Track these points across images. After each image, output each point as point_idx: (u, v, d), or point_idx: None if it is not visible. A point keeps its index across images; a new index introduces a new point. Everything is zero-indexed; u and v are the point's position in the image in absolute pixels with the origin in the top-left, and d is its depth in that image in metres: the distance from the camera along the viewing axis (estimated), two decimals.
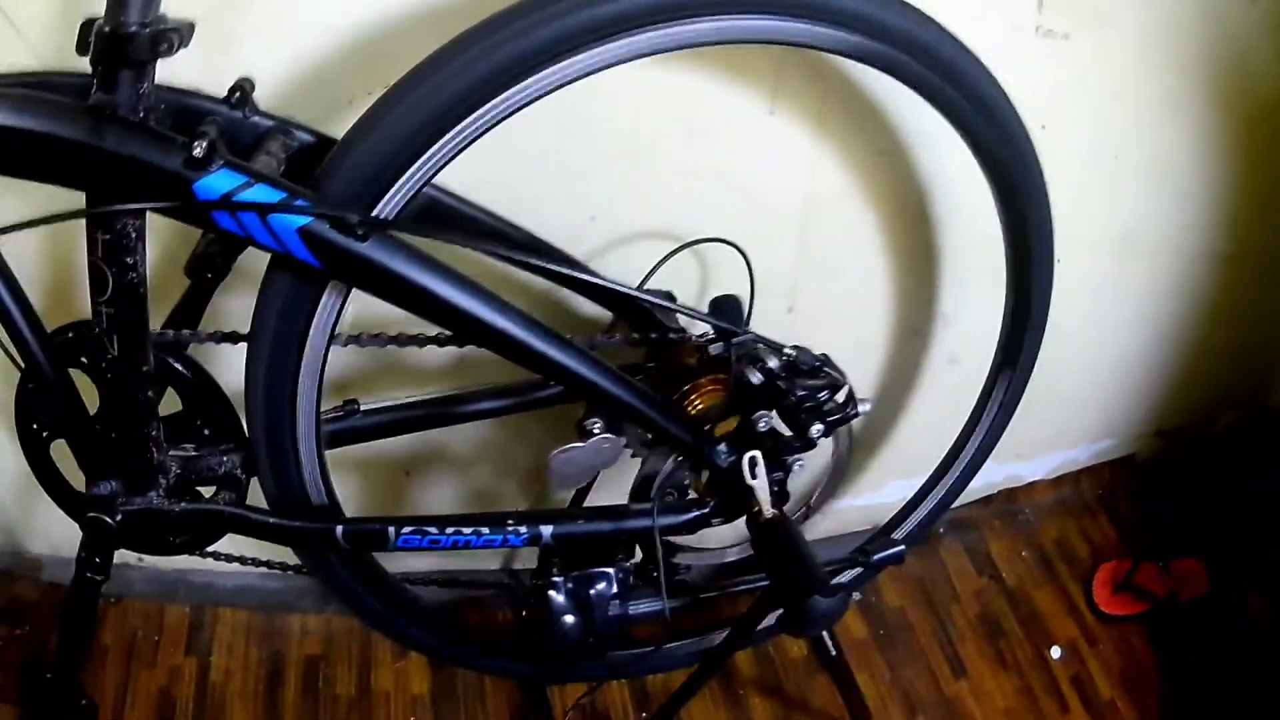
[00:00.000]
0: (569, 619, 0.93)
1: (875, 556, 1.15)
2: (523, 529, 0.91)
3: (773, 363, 0.90)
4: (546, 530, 0.92)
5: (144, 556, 1.33)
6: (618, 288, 0.91)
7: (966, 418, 1.23)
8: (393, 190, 0.76)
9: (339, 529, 0.91)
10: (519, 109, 0.76)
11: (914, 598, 1.47)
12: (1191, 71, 1.15)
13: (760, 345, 0.93)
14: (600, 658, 1.12)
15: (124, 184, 0.71)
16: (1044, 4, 1.04)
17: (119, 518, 0.90)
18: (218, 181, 0.70)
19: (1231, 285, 1.39)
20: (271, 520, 0.92)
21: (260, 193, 0.71)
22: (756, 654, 1.39)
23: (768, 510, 0.88)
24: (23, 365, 0.86)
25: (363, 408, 0.99)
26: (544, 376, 0.83)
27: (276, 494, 0.93)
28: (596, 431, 0.89)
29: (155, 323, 0.89)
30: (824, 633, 1.16)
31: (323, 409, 0.92)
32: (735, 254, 1.07)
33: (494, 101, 0.75)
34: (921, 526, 1.27)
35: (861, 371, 1.32)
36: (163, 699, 1.27)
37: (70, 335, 0.89)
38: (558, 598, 0.92)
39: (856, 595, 1.46)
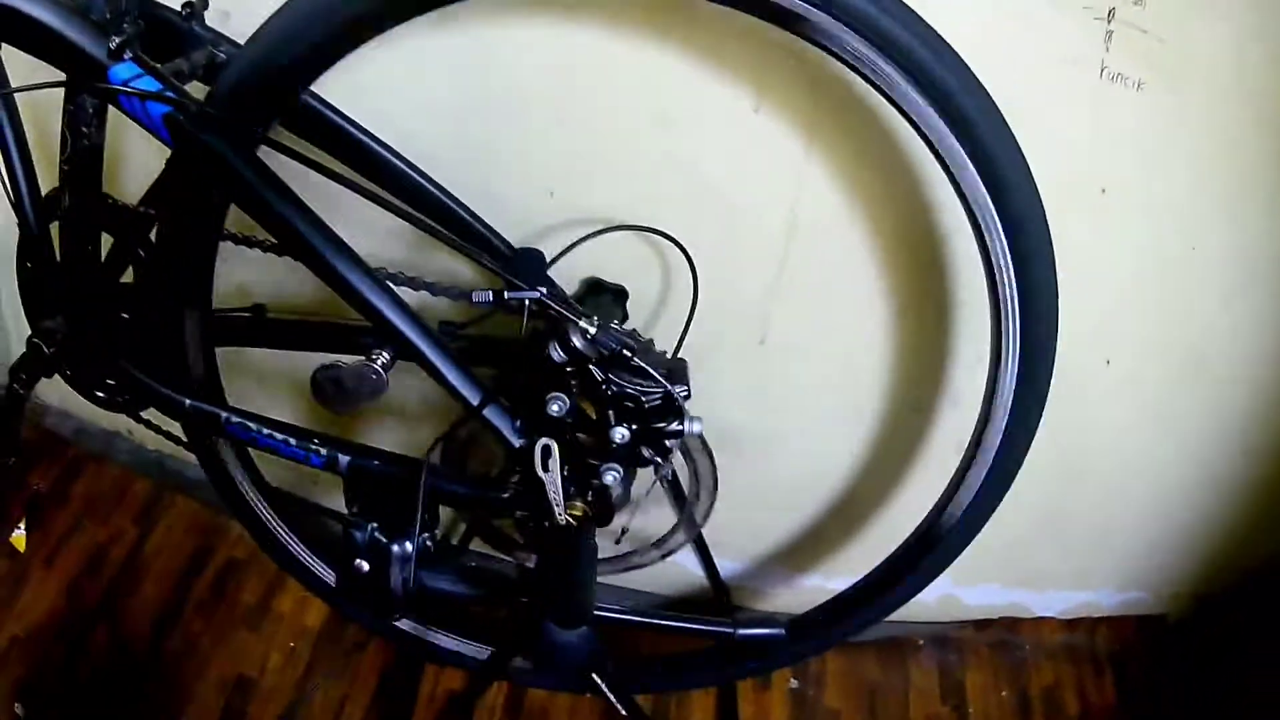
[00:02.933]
0: (361, 563, 0.97)
1: (740, 631, 1.10)
2: (324, 450, 0.99)
3: (579, 342, 0.89)
4: (344, 459, 0.98)
5: (134, 428, 1.55)
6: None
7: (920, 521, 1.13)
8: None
9: (186, 401, 1.03)
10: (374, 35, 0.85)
11: (856, 705, 1.37)
12: None
13: (563, 316, 0.91)
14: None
15: (77, 66, 0.88)
16: (1112, 40, 0.94)
17: (52, 349, 1.11)
18: (123, 71, 0.87)
19: None
20: (142, 379, 1.06)
21: (145, 83, 0.87)
22: (655, 708, 1.36)
23: (558, 513, 0.87)
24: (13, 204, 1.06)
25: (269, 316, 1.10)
26: (339, 295, 0.90)
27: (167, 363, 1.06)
28: (373, 360, 0.94)
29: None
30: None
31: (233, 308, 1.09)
32: (705, 259, 1.06)
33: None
34: (842, 630, 1.17)
35: (847, 436, 1.27)
36: (96, 553, 1.46)
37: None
38: (357, 535, 0.96)
39: (794, 683, 1.39)
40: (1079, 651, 1.41)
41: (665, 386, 0.89)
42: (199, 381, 1.07)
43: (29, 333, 1.13)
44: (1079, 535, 1.32)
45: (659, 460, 0.94)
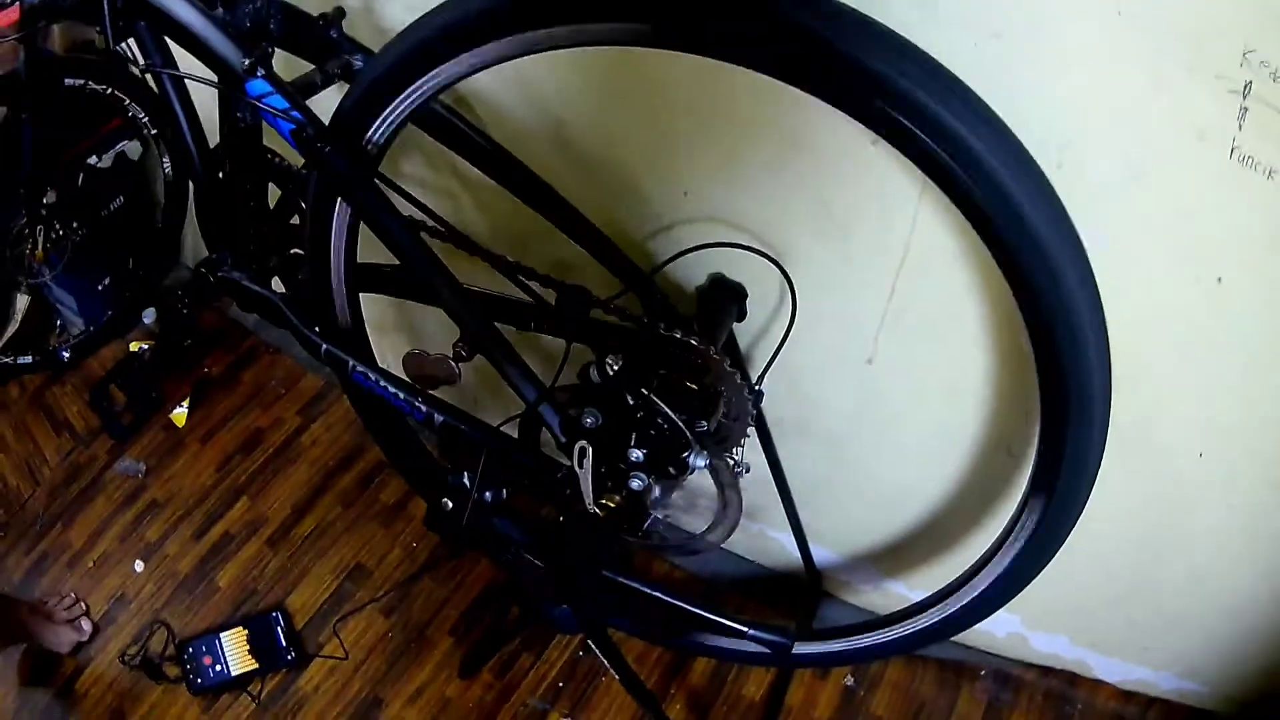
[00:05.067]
0: (447, 501, 1.19)
1: (752, 630, 1.24)
2: (424, 408, 1.18)
3: (619, 366, 1.02)
4: (439, 417, 1.18)
5: None
6: None
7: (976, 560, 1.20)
8: (382, 115, 1.02)
9: (323, 346, 1.23)
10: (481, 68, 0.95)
11: (899, 717, 1.46)
12: None
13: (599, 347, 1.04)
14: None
15: (220, 70, 1.08)
16: (1246, 118, 0.87)
17: (214, 279, 1.34)
18: (257, 86, 1.06)
19: None
20: (293, 319, 1.26)
21: (274, 100, 1.04)
22: (716, 672, 1.51)
23: (588, 503, 1.03)
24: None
25: None
26: (433, 301, 1.09)
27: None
28: (449, 352, 1.11)
29: None
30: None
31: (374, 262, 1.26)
32: (819, 276, 1.15)
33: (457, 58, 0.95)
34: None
35: (941, 462, 1.32)
36: (254, 435, 1.73)
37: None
38: (453, 480, 1.19)
39: (849, 680, 1.50)
40: None
41: (678, 424, 1.02)
42: (344, 323, 1.25)
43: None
44: (1152, 615, 1.33)
45: (681, 477, 1.07)
